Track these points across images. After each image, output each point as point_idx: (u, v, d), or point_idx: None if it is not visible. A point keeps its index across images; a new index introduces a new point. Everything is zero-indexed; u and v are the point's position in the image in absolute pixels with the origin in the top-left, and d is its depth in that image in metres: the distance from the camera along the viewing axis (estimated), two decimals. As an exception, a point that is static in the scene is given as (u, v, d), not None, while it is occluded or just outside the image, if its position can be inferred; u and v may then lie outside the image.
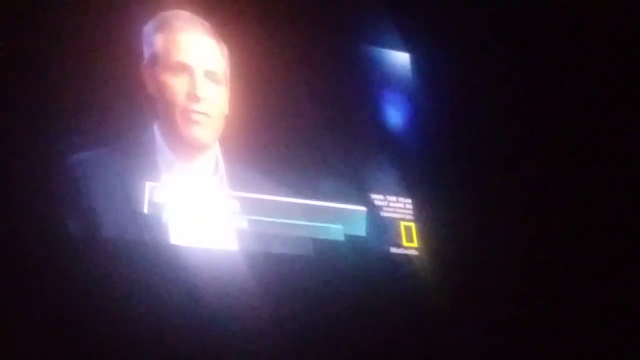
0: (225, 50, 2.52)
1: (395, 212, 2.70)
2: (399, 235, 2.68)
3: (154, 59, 2.43)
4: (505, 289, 2.74)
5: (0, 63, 2.24)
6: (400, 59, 2.91)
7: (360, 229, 2.62)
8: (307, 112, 2.66)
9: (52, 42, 2.32)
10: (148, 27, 2.45)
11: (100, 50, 2.37)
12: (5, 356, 2.04)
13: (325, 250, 2.54)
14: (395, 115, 2.83)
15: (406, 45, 2.90)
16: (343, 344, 2.45)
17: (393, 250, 2.66)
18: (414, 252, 2.68)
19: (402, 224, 2.69)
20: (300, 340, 2.39)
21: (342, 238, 2.58)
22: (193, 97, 2.41)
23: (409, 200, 2.73)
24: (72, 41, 2.34)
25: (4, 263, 2.09)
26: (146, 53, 2.43)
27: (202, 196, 2.41)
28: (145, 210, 2.31)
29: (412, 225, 2.71)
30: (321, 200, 2.58)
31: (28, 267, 2.12)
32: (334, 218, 2.59)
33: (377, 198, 2.68)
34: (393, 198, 2.70)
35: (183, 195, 2.38)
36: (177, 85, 2.42)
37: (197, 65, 2.45)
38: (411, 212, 2.72)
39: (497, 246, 2.79)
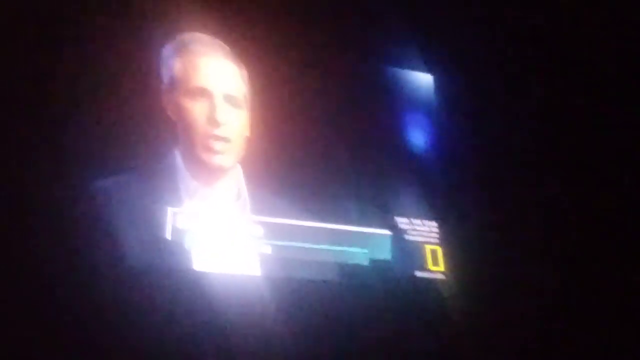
0: (245, 73, 2.49)
1: (421, 236, 2.65)
2: (424, 258, 2.63)
3: (173, 83, 2.40)
4: (533, 313, 2.68)
5: (20, 90, 2.21)
6: (423, 80, 2.87)
7: (385, 253, 2.57)
8: (330, 135, 2.61)
9: (71, 68, 2.29)
10: (166, 50, 2.42)
11: (120, 75, 2.34)
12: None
13: (350, 274, 2.50)
14: (419, 137, 2.79)
15: (429, 66, 2.86)
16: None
17: (418, 274, 2.61)
18: (439, 276, 2.63)
19: (428, 247, 2.65)
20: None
21: (367, 262, 2.53)
22: (213, 121, 2.38)
23: (434, 224, 2.68)
24: (92, 67, 2.32)
25: (27, 291, 2.06)
26: (165, 77, 2.40)
27: (225, 221, 2.37)
28: (168, 236, 2.27)
29: (438, 248, 2.66)
30: (345, 225, 2.54)
31: (51, 295, 2.09)
32: (358, 242, 2.54)
33: (402, 221, 2.63)
34: (418, 221, 2.66)
35: (206, 220, 2.34)
36: (196, 110, 2.39)
37: (217, 90, 2.41)
38: (436, 235, 2.67)
39: (524, 268, 2.74)
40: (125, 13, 2.39)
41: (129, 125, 2.32)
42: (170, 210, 2.30)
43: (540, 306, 2.71)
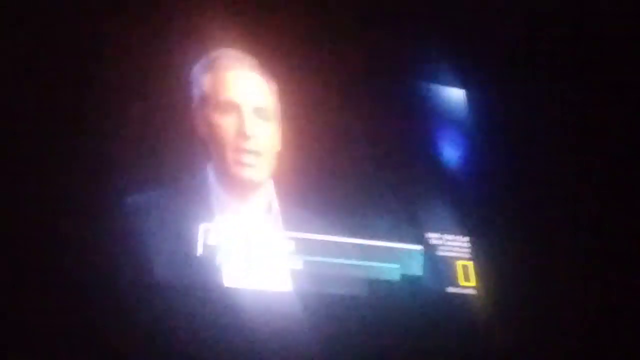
0: (275, 86, 2.48)
1: (452, 251, 2.62)
2: (456, 274, 2.60)
3: (203, 99, 2.40)
4: (568, 329, 2.64)
5: (54, 107, 2.22)
6: (455, 95, 2.85)
7: (416, 269, 2.54)
8: (361, 149, 2.60)
9: (104, 86, 2.30)
10: (196, 68, 2.43)
11: (153, 93, 2.35)
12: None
13: (381, 290, 2.47)
14: (451, 152, 2.77)
15: (461, 81, 2.84)
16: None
17: (450, 289, 2.58)
18: (471, 292, 2.60)
19: (459, 263, 2.62)
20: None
21: (398, 278, 2.50)
22: (242, 135, 2.37)
23: (466, 239, 2.66)
24: (125, 85, 2.32)
25: (56, 306, 2.06)
26: (195, 94, 2.41)
27: (257, 237, 2.36)
28: (199, 252, 2.26)
29: (470, 264, 2.63)
30: (377, 240, 2.51)
31: (80, 310, 2.09)
32: (390, 258, 2.52)
33: (434, 237, 2.61)
34: (450, 236, 2.63)
35: (237, 236, 2.33)
36: (226, 124, 2.38)
37: (246, 103, 2.41)
38: (468, 250, 2.64)
39: (558, 284, 2.70)
40: (157, 32, 2.40)
41: (161, 143, 2.32)
42: (202, 227, 2.29)
43: (576, 322, 2.67)
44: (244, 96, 2.42)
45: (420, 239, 2.59)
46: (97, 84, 2.29)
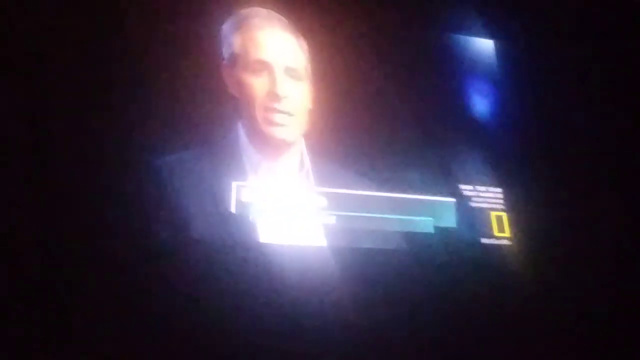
0: (305, 45, 2.49)
1: (486, 202, 2.63)
2: (490, 225, 2.61)
3: (234, 58, 2.42)
4: (598, 280, 2.63)
5: (83, 68, 2.26)
6: (484, 46, 2.83)
7: (450, 221, 2.56)
8: (392, 104, 2.60)
9: (132, 47, 2.33)
10: (226, 27, 2.44)
11: (181, 53, 2.37)
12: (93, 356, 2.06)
13: (415, 243, 2.49)
14: (481, 104, 2.75)
15: (490, 32, 2.82)
16: (434, 336, 2.41)
17: (484, 240, 2.59)
18: (505, 242, 2.61)
19: (493, 214, 2.62)
20: (391, 334, 2.35)
21: (431, 230, 2.52)
22: (274, 95, 2.39)
23: (499, 190, 2.66)
24: (152, 45, 2.35)
25: (92, 266, 2.12)
26: (225, 53, 2.43)
27: (289, 193, 2.39)
28: (233, 209, 2.30)
29: (503, 215, 2.63)
30: (409, 193, 2.53)
31: (117, 270, 2.14)
32: (423, 210, 2.53)
33: (466, 188, 2.61)
34: (482, 188, 2.64)
35: (270, 193, 2.36)
36: (257, 84, 2.40)
37: (277, 63, 2.42)
38: (501, 202, 2.65)
39: (591, 233, 2.69)
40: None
41: (192, 103, 2.35)
42: (234, 184, 2.32)
43: (610, 271, 2.66)
44: (275, 56, 2.43)
45: (453, 191, 2.60)
46: (128, 45, 2.32)
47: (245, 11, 2.46)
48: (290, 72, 2.43)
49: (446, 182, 2.61)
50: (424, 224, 2.53)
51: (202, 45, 2.41)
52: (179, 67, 2.36)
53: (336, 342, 2.29)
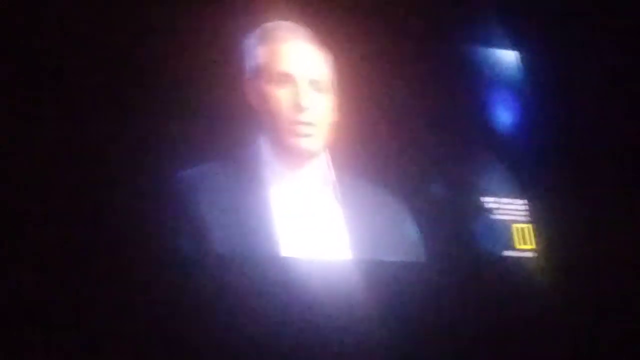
0: (329, 57, 2.49)
1: (508, 214, 2.62)
2: (512, 237, 2.61)
3: (257, 71, 2.42)
4: (625, 290, 2.63)
5: (105, 81, 2.28)
6: (507, 57, 2.82)
7: (472, 233, 2.56)
8: (415, 116, 2.60)
9: (155, 60, 2.34)
10: (249, 40, 2.45)
11: (204, 67, 2.38)
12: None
13: (438, 255, 2.49)
14: (504, 115, 2.75)
15: (514, 43, 2.81)
16: (459, 349, 2.41)
17: (506, 253, 2.59)
18: (528, 255, 2.61)
19: (515, 226, 2.62)
20: (415, 346, 2.36)
21: (454, 242, 2.53)
22: (298, 107, 2.39)
23: (522, 202, 2.65)
24: (176, 59, 2.36)
25: (114, 282, 2.13)
26: (248, 66, 2.43)
27: (313, 206, 2.40)
28: (255, 223, 2.31)
29: (526, 227, 2.63)
30: (433, 206, 2.54)
31: (139, 286, 2.15)
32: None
33: (489, 201, 2.61)
34: (505, 200, 2.63)
35: (293, 206, 2.37)
36: (281, 96, 2.40)
37: (301, 75, 2.42)
38: (524, 213, 2.64)
39: (616, 246, 2.67)
40: (211, 4, 2.44)
41: (214, 115, 2.35)
42: (257, 197, 2.34)
43: (633, 282, 2.65)
44: (299, 68, 2.43)
45: (476, 203, 2.59)
46: (150, 58, 2.34)
47: (269, 24, 2.46)
48: (314, 84, 2.43)
49: (469, 193, 2.60)
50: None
51: (225, 59, 2.42)
52: (202, 80, 2.37)
53: (358, 357, 2.30)
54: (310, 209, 2.41)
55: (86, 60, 2.29)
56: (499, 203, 2.63)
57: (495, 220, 2.61)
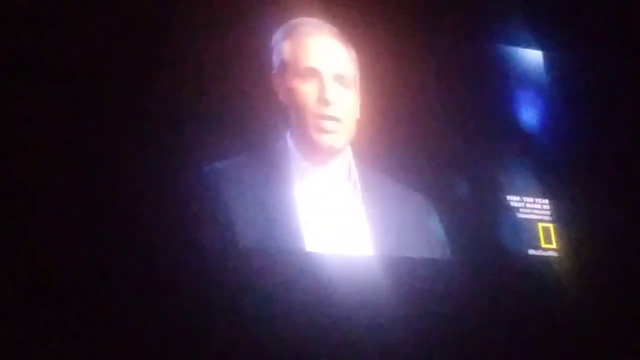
0: (354, 53, 2.49)
1: (533, 213, 2.61)
2: (537, 236, 2.60)
3: (283, 66, 2.43)
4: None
5: (136, 76, 2.29)
6: (532, 57, 2.81)
7: (497, 231, 2.55)
8: (439, 114, 2.60)
9: (186, 56, 2.36)
10: (276, 36, 2.45)
11: (233, 63, 2.39)
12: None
13: (461, 252, 2.48)
14: (529, 114, 2.74)
15: (538, 42, 2.81)
16: (483, 347, 2.40)
17: (531, 252, 2.58)
18: (553, 254, 2.59)
19: (540, 225, 2.61)
20: (439, 344, 2.35)
21: (478, 240, 2.52)
22: (323, 101, 2.39)
23: (546, 201, 2.64)
24: (204, 53, 2.37)
25: (140, 276, 2.13)
26: (275, 62, 2.44)
27: (337, 202, 2.39)
28: (280, 218, 2.31)
29: (551, 226, 2.62)
30: (457, 204, 2.54)
31: (165, 278, 2.15)
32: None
33: (513, 199, 2.60)
34: (530, 199, 2.62)
35: (317, 201, 2.37)
36: (306, 90, 2.40)
37: (326, 70, 2.42)
38: (549, 212, 2.63)
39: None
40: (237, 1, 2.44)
41: (242, 110, 2.36)
42: (282, 192, 2.34)
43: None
44: (325, 63, 2.43)
45: (501, 202, 2.58)
46: (178, 52, 2.35)
47: (295, 20, 2.47)
48: (339, 79, 2.43)
49: (493, 192, 2.59)
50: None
51: (254, 55, 2.43)
52: (230, 76, 2.38)
53: (380, 350, 2.29)
54: (334, 205, 2.40)
55: (117, 57, 2.30)
56: (524, 202, 2.62)
57: (520, 219, 2.59)
